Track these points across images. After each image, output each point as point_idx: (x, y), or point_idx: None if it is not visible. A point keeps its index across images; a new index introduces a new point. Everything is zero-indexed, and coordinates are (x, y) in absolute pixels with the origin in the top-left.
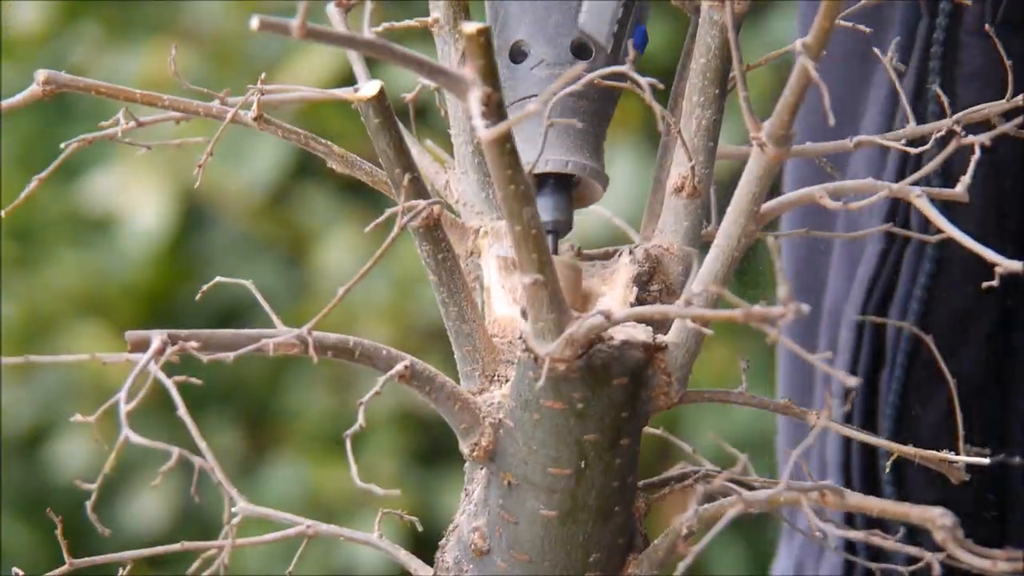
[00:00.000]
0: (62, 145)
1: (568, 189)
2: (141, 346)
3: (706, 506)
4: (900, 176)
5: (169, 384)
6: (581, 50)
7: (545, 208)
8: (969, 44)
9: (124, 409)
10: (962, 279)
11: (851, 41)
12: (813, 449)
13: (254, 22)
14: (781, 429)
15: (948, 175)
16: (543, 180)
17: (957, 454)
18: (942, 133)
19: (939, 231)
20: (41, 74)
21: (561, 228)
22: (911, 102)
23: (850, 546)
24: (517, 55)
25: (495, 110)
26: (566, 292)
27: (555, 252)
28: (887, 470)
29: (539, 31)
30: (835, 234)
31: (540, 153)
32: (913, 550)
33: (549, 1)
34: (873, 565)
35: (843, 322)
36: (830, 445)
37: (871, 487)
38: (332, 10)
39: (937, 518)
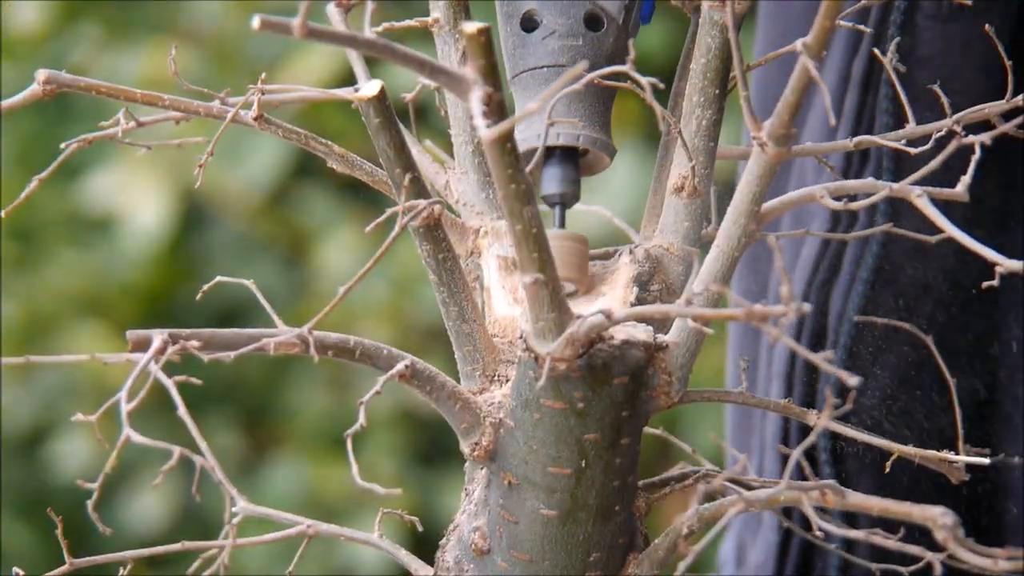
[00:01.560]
0: (62, 145)
1: (575, 160)
2: (142, 345)
3: (706, 506)
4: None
5: (169, 384)
6: (593, 22)
7: (552, 179)
8: (926, 29)
9: (125, 408)
10: (907, 264)
11: (795, 33)
12: (755, 429)
13: (255, 22)
14: (729, 421)
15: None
16: (550, 151)
17: (957, 453)
18: (942, 134)
19: (938, 231)
20: (42, 74)
21: (568, 200)
22: (861, 84)
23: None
24: (528, 23)
25: (496, 110)
26: (573, 265)
27: (562, 225)
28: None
29: (552, 1)
30: (835, 235)
31: (547, 127)
32: (915, 549)
33: None
34: (874, 565)
35: None
36: (769, 427)
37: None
38: (332, 10)
39: (938, 517)
